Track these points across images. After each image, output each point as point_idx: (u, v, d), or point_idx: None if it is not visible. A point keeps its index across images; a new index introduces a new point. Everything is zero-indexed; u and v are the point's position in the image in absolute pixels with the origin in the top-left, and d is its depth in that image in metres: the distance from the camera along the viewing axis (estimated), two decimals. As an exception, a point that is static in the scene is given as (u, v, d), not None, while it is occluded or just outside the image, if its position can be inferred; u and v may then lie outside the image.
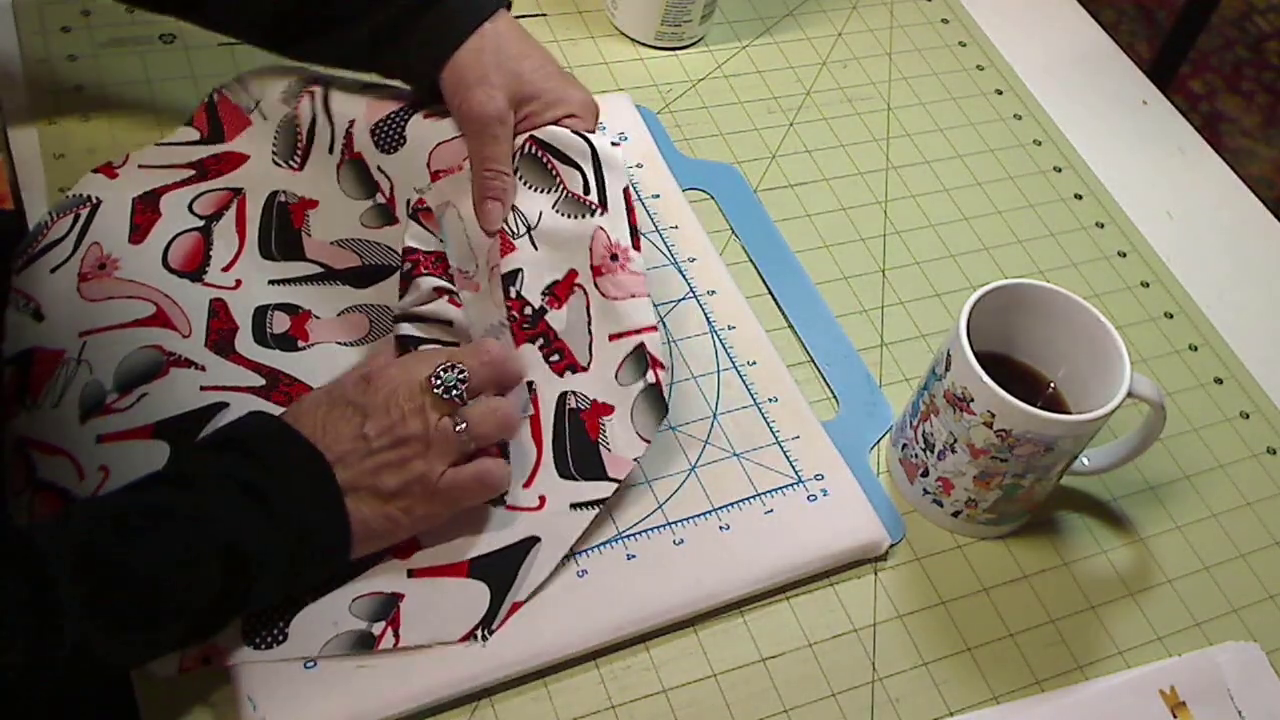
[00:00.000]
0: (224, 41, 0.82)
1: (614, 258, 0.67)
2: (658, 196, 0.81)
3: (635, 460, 0.65)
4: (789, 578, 0.66)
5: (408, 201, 0.70)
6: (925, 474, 0.69)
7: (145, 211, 0.71)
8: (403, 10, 0.68)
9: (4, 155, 0.72)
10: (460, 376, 0.60)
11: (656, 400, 0.65)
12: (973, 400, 0.64)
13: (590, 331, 0.67)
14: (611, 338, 0.67)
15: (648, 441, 0.65)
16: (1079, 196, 0.91)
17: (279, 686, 0.57)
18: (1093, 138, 0.95)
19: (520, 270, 0.68)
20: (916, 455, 0.69)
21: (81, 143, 0.76)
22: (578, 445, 0.65)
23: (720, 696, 0.62)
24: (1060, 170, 0.92)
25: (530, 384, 0.67)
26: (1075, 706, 0.65)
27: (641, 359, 0.66)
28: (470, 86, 0.67)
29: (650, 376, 0.66)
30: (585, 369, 0.67)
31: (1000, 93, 0.97)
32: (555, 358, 0.68)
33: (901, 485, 0.71)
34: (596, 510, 0.64)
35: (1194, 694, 0.66)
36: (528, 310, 0.68)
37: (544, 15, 0.92)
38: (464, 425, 0.60)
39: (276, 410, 0.61)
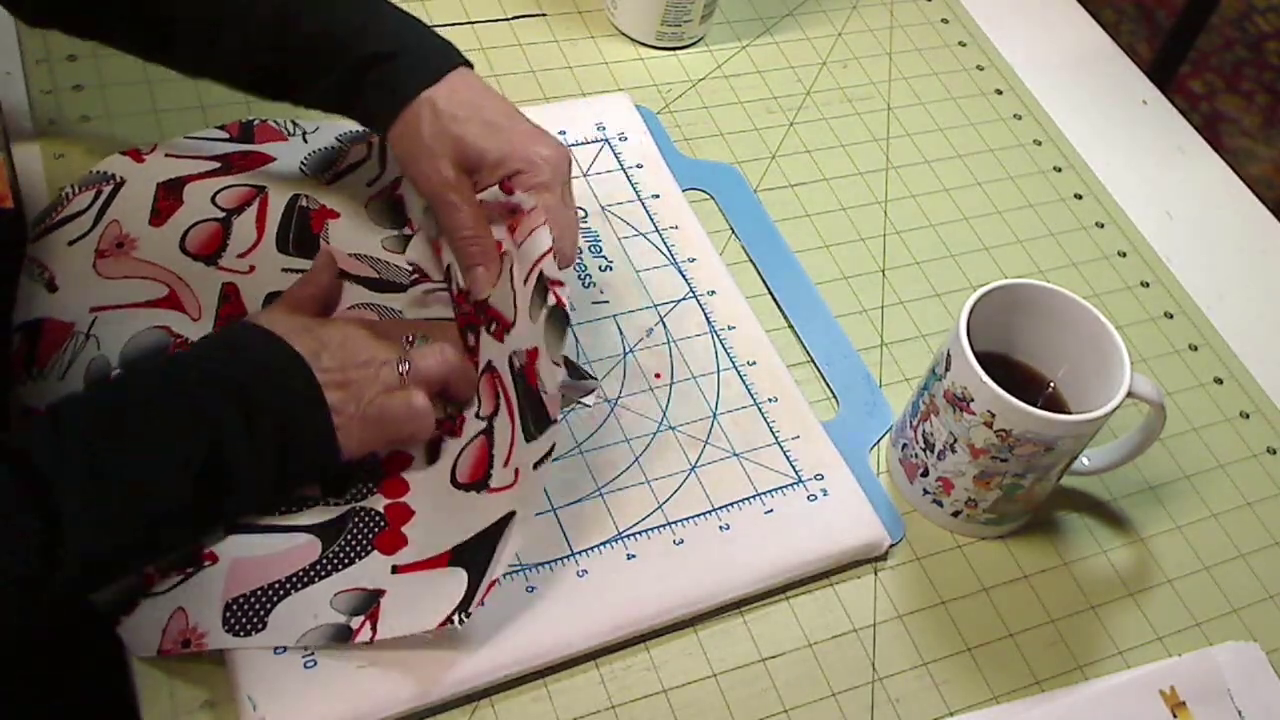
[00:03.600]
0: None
1: (514, 212, 0.66)
2: (658, 196, 0.81)
3: (568, 390, 0.66)
4: (789, 578, 0.66)
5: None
6: (925, 474, 0.69)
7: (168, 198, 0.72)
8: (349, 72, 0.66)
9: (4, 155, 0.72)
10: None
11: (559, 318, 0.62)
12: (973, 400, 0.64)
13: (513, 286, 0.66)
14: (525, 282, 0.65)
15: (558, 364, 0.62)
16: (1079, 196, 0.91)
17: (279, 686, 0.57)
18: (1093, 138, 0.95)
19: (451, 263, 0.69)
20: (916, 455, 0.69)
21: (81, 143, 0.76)
22: (529, 403, 0.63)
23: (720, 696, 0.62)
24: (1060, 170, 0.92)
25: (490, 363, 0.66)
26: (1075, 706, 0.65)
27: (542, 286, 0.63)
28: (414, 161, 0.66)
29: (550, 298, 0.62)
30: (513, 323, 0.65)
31: (1000, 93, 0.97)
32: (493, 326, 0.66)
33: (901, 485, 0.71)
34: (551, 462, 0.61)
35: (1194, 694, 0.66)
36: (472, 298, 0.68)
37: (544, 15, 0.92)
38: (407, 365, 0.62)
39: None
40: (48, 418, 0.54)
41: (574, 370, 0.70)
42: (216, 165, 0.75)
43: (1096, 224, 0.89)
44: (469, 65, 0.68)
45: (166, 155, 0.74)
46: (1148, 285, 0.86)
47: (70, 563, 0.51)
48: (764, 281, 0.80)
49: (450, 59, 0.67)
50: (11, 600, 0.50)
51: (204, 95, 0.79)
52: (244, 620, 0.58)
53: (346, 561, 0.61)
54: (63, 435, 0.53)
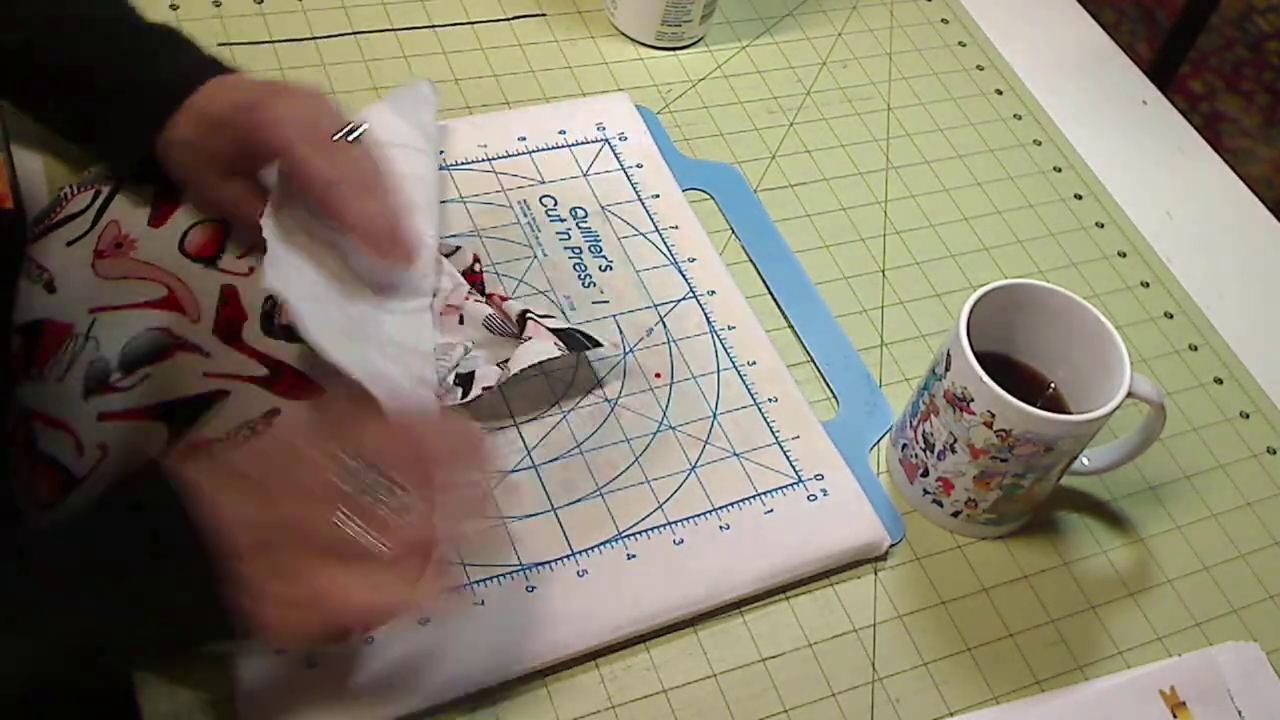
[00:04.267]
0: (223, 41, 0.82)
1: None
2: (658, 196, 0.81)
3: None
4: (789, 578, 0.66)
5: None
6: (925, 474, 0.69)
7: (167, 198, 0.72)
8: (91, 109, 0.66)
9: (4, 155, 0.72)
10: (375, 477, 0.51)
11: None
12: (973, 400, 0.64)
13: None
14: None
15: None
16: (1079, 196, 0.91)
17: (279, 687, 0.57)
18: (1093, 138, 0.95)
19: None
20: (916, 455, 0.69)
21: (81, 143, 0.76)
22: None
23: (720, 696, 0.62)
24: (1060, 170, 0.92)
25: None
26: (1075, 706, 0.65)
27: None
28: (196, 192, 0.67)
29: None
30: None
31: (1000, 93, 0.97)
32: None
33: (901, 485, 0.71)
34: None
35: (1194, 694, 0.67)
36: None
37: (544, 15, 0.92)
38: (384, 548, 0.51)
39: (278, 401, 0.63)
40: None
41: (569, 339, 0.68)
42: None
43: (1096, 224, 0.89)
44: (219, 73, 0.66)
45: None
46: (1148, 285, 0.86)
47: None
48: (764, 281, 0.80)
49: (179, 86, 0.64)
50: None
51: (204, 95, 0.79)
52: None
53: None
54: None
